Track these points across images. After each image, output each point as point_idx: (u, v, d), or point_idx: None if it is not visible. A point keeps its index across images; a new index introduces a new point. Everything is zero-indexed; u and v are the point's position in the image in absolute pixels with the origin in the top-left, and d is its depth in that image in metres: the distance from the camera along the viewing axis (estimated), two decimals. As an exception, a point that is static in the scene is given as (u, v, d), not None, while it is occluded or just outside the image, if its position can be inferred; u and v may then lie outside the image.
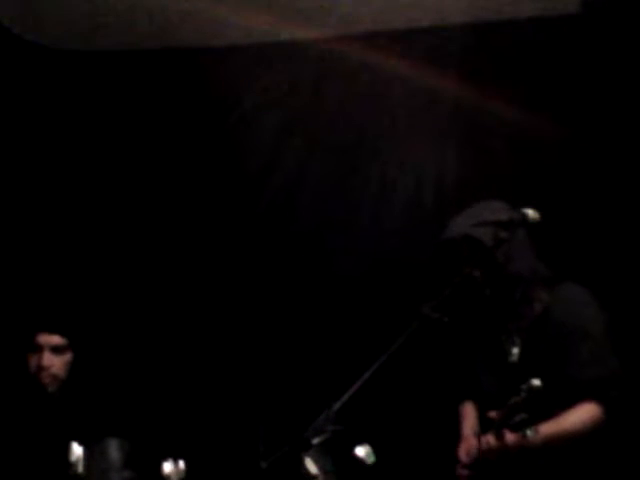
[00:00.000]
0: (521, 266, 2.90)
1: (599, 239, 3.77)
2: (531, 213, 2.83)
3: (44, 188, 4.44)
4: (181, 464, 2.91)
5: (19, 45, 4.40)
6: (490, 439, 2.69)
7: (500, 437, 2.65)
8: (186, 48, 4.49)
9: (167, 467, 2.88)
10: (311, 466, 2.53)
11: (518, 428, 2.57)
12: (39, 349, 3.31)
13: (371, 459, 2.57)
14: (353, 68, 4.23)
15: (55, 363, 3.32)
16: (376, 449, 2.58)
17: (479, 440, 2.88)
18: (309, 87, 4.30)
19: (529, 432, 2.56)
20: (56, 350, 3.33)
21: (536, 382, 2.54)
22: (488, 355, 3.03)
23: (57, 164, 4.48)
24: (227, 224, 4.40)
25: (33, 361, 3.32)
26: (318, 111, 4.28)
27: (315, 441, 2.46)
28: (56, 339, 3.33)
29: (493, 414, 2.67)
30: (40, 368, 3.29)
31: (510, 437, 2.63)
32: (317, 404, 2.52)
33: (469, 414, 3.16)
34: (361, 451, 2.57)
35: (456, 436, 3.11)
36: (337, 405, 2.48)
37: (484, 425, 3.00)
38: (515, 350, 2.92)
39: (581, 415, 2.76)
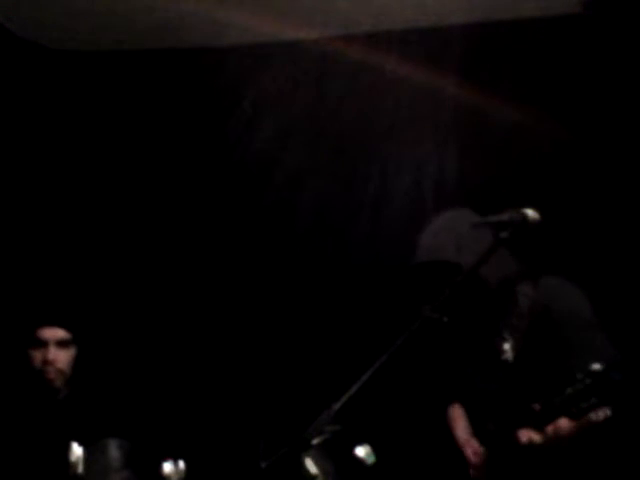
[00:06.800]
0: (502, 268, 2.89)
1: (600, 239, 3.78)
2: (531, 213, 2.83)
3: (46, 186, 4.45)
4: (181, 464, 2.91)
5: (19, 45, 4.41)
6: (532, 434, 2.66)
7: (543, 430, 2.62)
8: (186, 48, 4.49)
9: (167, 467, 2.88)
10: (311, 466, 2.53)
11: (585, 413, 2.50)
12: (44, 344, 3.29)
13: (371, 459, 2.57)
14: (353, 68, 4.23)
15: (60, 358, 3.31)
16: (376, 449, 2.58)
17: (479, 441, 2.91)
18: (309, 87, 4.30)
19: (601, 413, 2.49)
20: (61, 344, 3.32)
21: (596, 366, 2.51)
22: (480, 355, 3.03)
23: (58, 163, 4.49)
24: (227, 224, 4.40)
25: (37, 356, 3.29)
26: (318, 111, 4.28)
27: (315, 441, 2.46)
28: (61, 333, 3.32)
29: (536, 406, 2.64)
30: (45, 362, 3.28)
31: (566, 424, 2.59)
32: (317, 404, 2.52)
33: (459, 417, 3.17)
34: (361, 451, 2.57)
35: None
36: (337, 405, 2.48)
37: (476, 426, 3.01)
38: (507, 347, 2.92)
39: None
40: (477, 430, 3.02)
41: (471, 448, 2.98)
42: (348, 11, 4.12)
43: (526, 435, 2.67)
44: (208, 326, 4.29)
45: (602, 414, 2.50)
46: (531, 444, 2.66)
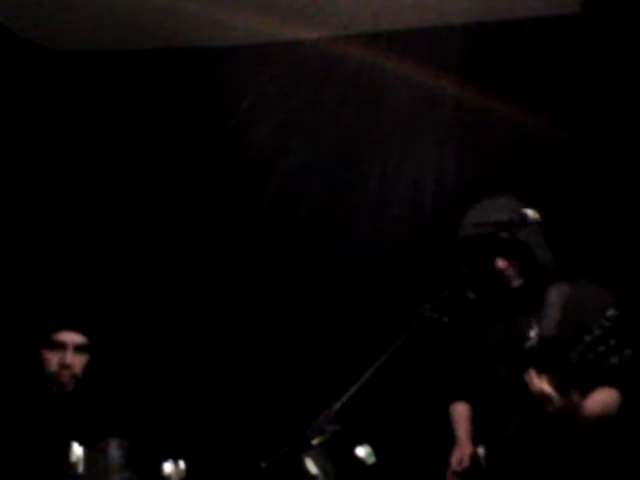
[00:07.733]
0: (543, 257, 2.93)
1: (600, 239, 3.78)
2: (531, 213, 2.84)
3: (52, 188, 4.45)
4: (181, 464, 2.91)
5: (19, 45, 4.41)
6: (543, 383, 2.66)
7: (558, 382, 2.64)
8: (186, 48, 4.49)
9: (167, 467, 2.88)
10: (311, 466, 2.53)
11: (604, 357, 2.54)
12: (61, 347, 3.27)
13: (371, 459, 2.57)
14: (353, 68, 4.23)
15: (77, 362, 3.28)
16: (376, 449, 2.58)
17: (475, 447, 2.95)
18: (309, 87, 4.30)
19: (627, 352, 2.54)
20: (79, 349, 3.30)
21: (612, 311, 2.54)
22: (502, 344, 3.03)
23: (59, 164, 4.49)
24: (228, 225, 4.40)
25: (53, 359, 3.26)
26: (318, 111, 4.28)
27: (315, 441, 2.46)
28: (81, 338, 3.31)
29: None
30: (63, 366, 3.24)
31: (593, 401, 2.68)
32: (317, 404, 2.52)
33: (463, 416, 3.17)
34: (361, 451, 2.57)
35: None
36: (337, 405, 2.48)
37: (479, 427, 3.02)
38: (532, 334, 2.93)
39: (608, 398, 2.77)
40: (479, 427, 3.02)
41: (458, 452, 3.00)
42: (348, 11, 4.12)
43: (536, 378, 2.66)
44: (208, 326, 4.29)
45: (624, 355, 2.52)
46: (540, 394, 2.65)
